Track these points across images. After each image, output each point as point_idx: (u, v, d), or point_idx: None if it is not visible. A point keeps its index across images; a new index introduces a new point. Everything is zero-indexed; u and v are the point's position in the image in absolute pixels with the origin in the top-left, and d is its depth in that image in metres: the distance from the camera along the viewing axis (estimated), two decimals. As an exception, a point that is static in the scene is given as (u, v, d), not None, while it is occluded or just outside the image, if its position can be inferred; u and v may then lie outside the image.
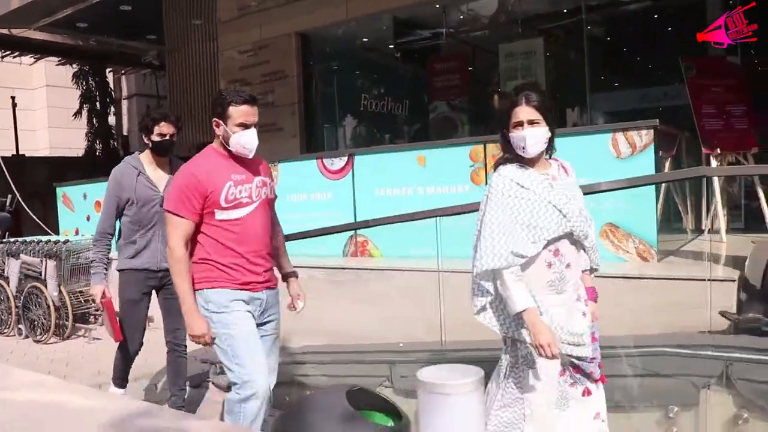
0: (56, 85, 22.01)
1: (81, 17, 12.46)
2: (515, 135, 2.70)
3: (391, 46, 10.61)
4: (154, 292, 4.21)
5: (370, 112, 11.33)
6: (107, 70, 18.73)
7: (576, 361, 2.74)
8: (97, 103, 18.56)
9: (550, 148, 2.79)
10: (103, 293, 4.04)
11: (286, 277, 3.37)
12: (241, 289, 3.04)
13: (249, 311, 3.06)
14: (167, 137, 4.05)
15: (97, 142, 18.61)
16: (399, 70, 11.59)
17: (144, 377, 5.02)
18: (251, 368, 2.97)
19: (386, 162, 6.61)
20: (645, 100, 8.87)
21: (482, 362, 3.12)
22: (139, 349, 4.27)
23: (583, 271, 2.87)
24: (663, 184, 5.82)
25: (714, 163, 6.37)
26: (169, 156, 4.19)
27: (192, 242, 3.05)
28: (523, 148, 2.70)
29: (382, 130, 11.57)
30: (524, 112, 2.70)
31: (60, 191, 10.01)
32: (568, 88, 9.39)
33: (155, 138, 4.04)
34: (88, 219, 9.20)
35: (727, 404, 3.38)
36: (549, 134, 2.73)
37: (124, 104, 21.18)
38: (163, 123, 4.05)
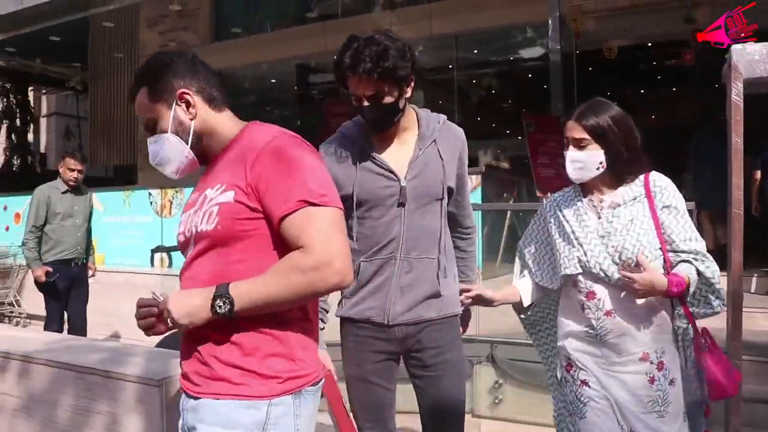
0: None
1: (10, 43, 13.12)
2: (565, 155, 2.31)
3: (295, 88, 11.90)
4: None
5: (279, 147, 12.46)
6: (29, 89, 19.13)
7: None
8: (17, 120, 18.92)
9: (619, 171, 2.28)
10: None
11: None
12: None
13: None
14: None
15: (15, 157, 18.95)
16: (304, 110, 12.83)
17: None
18: None
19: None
20: (504, 148, 10.16)
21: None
22: None
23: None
24: (507, 221, 7.28)
25: (547, 204, 7.88)
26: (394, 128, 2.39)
27: None
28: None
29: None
30: (571, 129, 2.28)
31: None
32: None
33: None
34: (7, 229, 9.94)
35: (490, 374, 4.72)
36: (603, 158, 2.23)
37: (43, 122, 21.25)
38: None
